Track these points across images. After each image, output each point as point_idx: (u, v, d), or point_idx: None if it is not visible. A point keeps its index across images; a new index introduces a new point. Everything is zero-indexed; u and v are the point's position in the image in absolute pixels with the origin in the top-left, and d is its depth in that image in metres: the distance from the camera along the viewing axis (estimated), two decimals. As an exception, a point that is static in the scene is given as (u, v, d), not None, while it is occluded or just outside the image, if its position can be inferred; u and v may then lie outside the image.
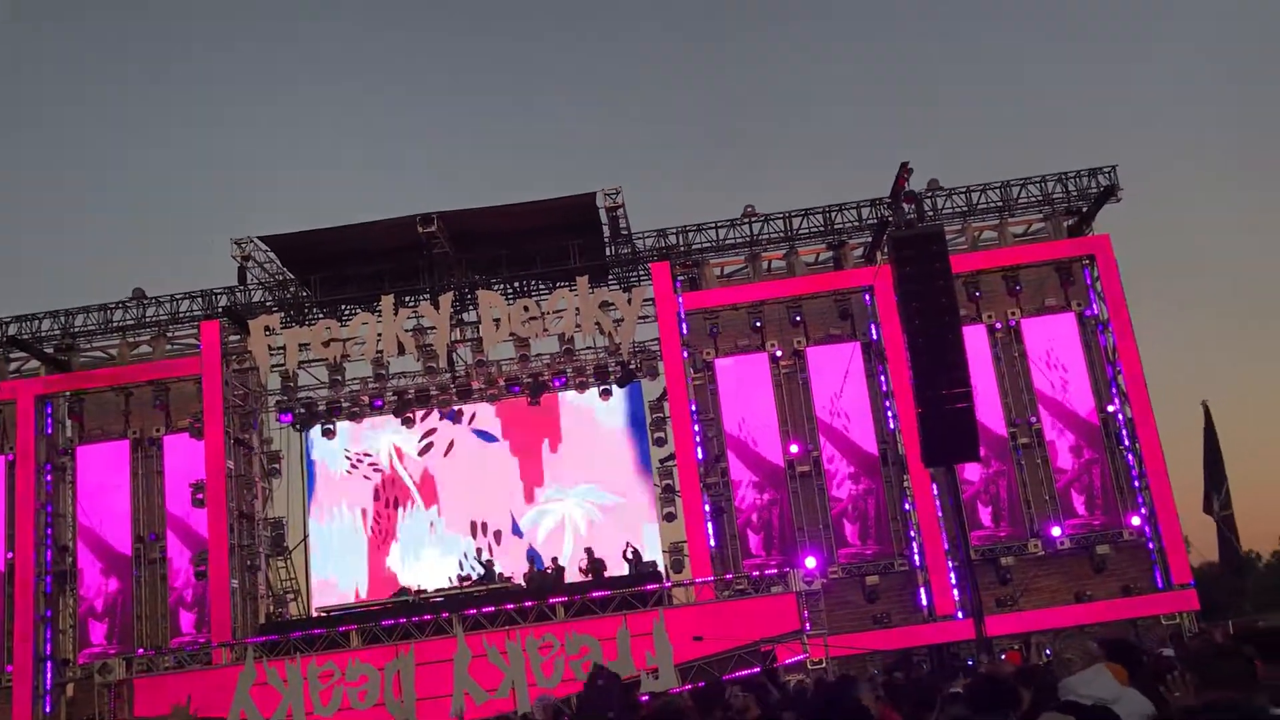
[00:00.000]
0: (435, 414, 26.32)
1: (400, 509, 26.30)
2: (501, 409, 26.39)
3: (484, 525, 26.09)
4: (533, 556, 24.71)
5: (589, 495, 25.84)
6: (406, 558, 26.05)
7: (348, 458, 26.51)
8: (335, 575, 26.01)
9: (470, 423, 26.47)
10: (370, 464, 26.48)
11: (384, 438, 26.51)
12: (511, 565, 24.49)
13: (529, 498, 26.00)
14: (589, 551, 23.04)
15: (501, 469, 26.14)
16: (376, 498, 26.34)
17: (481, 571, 23.50)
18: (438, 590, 23.04)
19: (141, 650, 22.88)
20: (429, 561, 25.76)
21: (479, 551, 25.61)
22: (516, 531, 26.11)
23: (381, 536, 26.20)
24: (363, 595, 25.33)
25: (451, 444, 26.43)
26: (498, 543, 25.89)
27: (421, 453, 26.47)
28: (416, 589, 23.45)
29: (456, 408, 26.24)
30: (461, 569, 25.00)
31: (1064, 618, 22.25)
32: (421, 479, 26.39)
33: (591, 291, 23.96)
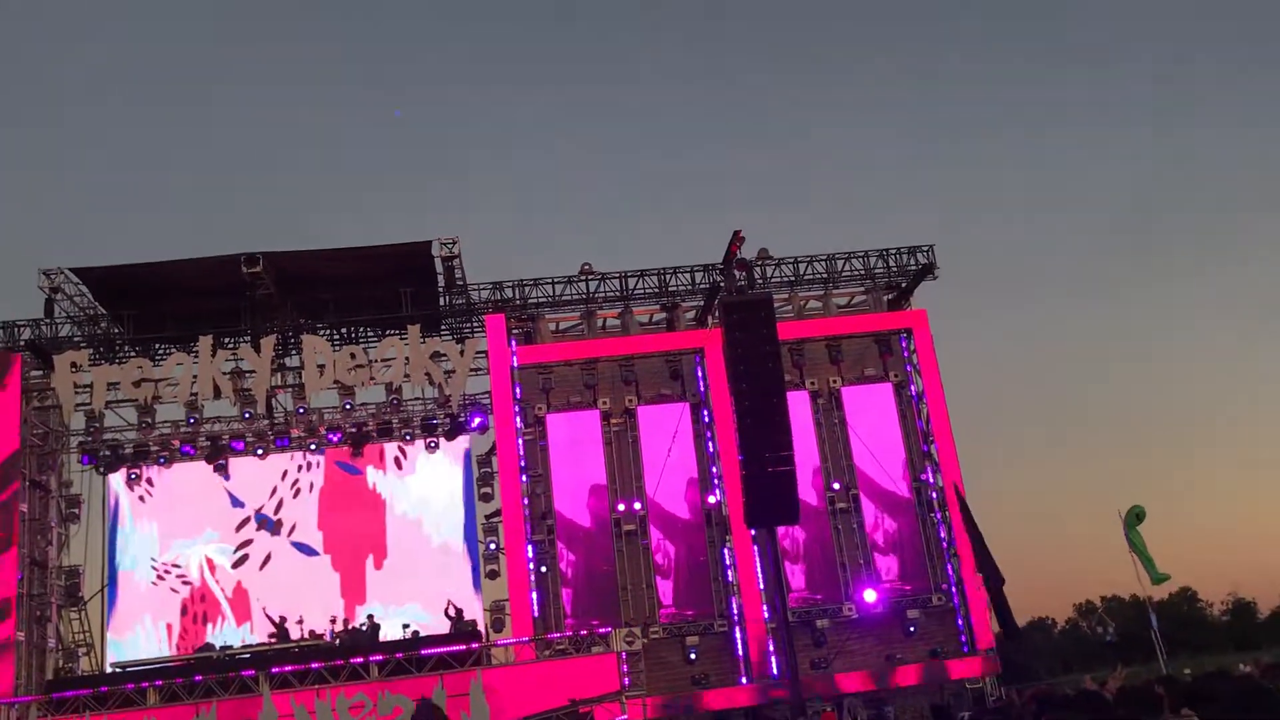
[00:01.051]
0: (251, 525, 24.75)
1: (210, 625, 24.36)
2: (324, 520, 24.85)
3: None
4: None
5: (415, 616, 23.91)
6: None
7: (154, 568, 24.57)
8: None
9: (290, 534, 24.84)
10: (179, 575, 24.57)
11: (196, 549, 24.68)
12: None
13: (350, 615, 23.94)
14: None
15: (322, 584, 24.38)
16: (184, 612, 24.35)
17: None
18: (245, 646, 22.04)
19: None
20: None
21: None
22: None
23: (187, 654, 23.65)
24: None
25: (268, 557, 24.69)
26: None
27: (235, 565, 24.67)
28: (222, 646, 22.39)
29: (275, 518, 24.82)
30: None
31: (876, 680, 22.84)
32: (234, 593, 24.56)
33: (423, 341, 23.63)
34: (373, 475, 25.18)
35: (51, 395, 23.19)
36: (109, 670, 22.72)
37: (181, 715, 18.51)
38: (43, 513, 23.61)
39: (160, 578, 24.54)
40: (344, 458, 25.27)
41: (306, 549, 24.73)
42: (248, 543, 24.76)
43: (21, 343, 23.68)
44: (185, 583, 24.58)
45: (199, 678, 19.12)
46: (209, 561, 24.69)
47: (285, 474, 25.10)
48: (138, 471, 24.38)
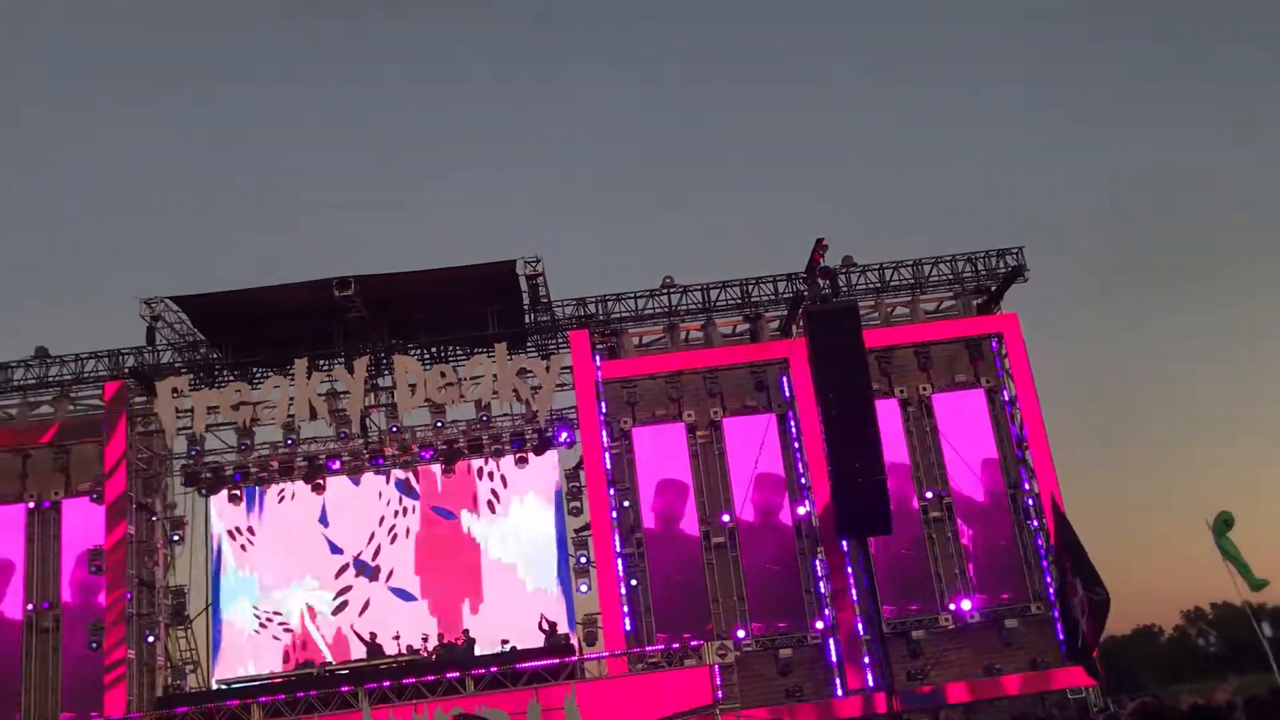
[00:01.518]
0: (350, 571, 25.19)
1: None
2: (421, 565, 25.20)
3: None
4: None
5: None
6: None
7: (256, 616, 25.06)
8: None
9: (388, 580, 25.21)
10: (280, 623, 25.00)
11: (296, 597, 25.12)
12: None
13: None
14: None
15: (420, 628, 24.46)
16: (286, 659, 24.73)
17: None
18: (344, 663, 22.49)
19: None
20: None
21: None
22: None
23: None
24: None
25: (367, 603, 25.03)
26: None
27: (335, 611, 25.05)
28: (322, 662, 22.87)
29: (374, 564, 25.27)
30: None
31: (975, 691, 22.44)
32: (334, 639, 24.90)
33: (510, 358, 23.91)
34: (467, 519, 25.50)
35: (155, 420, 23.93)
36: (215, 687, 23.38)
37: (285, 731, 18.93)
38: (148, 534, 24.37)
39: (263, 625, 25.05)
40: (439, 501, 25.65)
41: (404, 594, 25.05)
42: (347, 589, 25.17)
43: (125, 370, 24.52)
44: (287, 630, 25.02)
45: (300, 694, 19.56)
46: (309, 609, 25.12)
47: (382, 520, 25.56)
48: (238, 492, 25.00)
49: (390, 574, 25.30)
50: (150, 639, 23.67)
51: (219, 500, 25.34)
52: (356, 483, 25.52)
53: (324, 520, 25.45)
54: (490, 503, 25.73)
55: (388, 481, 25.77)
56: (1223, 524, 18.29)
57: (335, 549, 24.97)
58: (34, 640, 23.49)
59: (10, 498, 24.29)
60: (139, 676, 23.00)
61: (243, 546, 25.43)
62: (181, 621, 24.53)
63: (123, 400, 23.85)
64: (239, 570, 25.38)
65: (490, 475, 25.78)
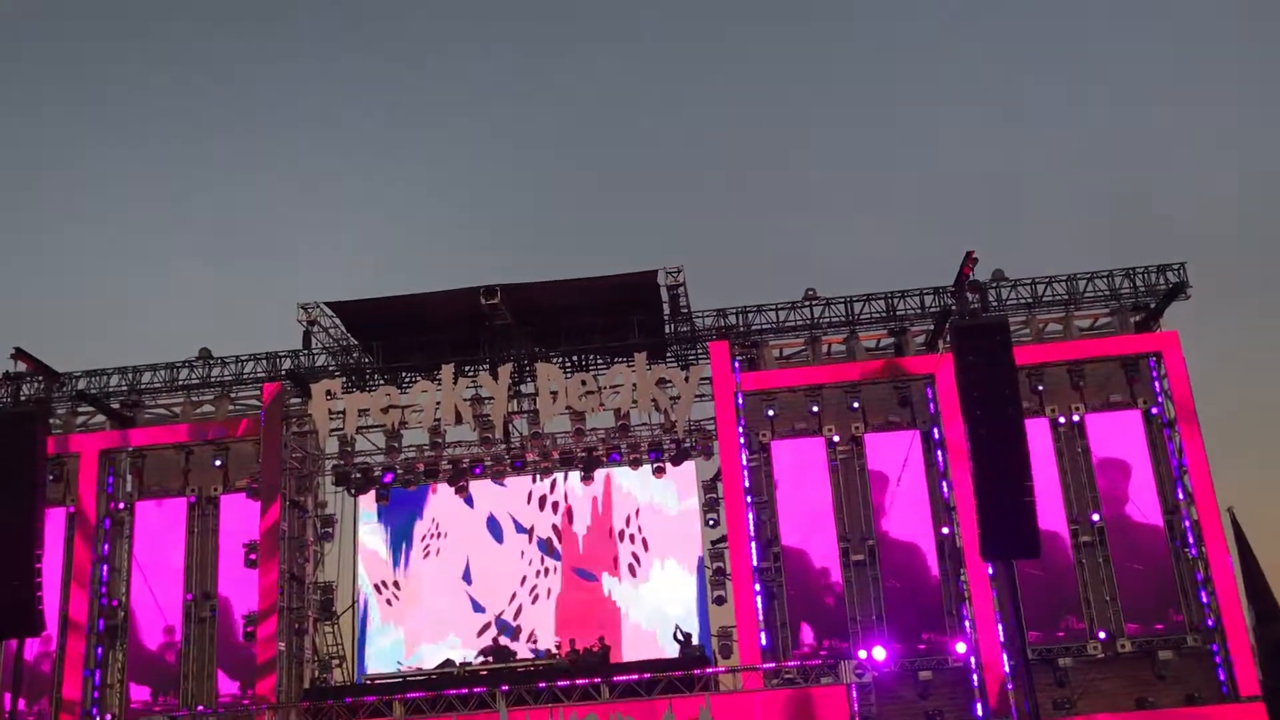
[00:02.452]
0: (492, 629, 25.84)
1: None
2: (561, 627, 25.61)
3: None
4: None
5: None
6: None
7: (400, 671, 24.64)
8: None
9: (529, 640, 25.85)
10: None
11: (439, 653, 25.05)
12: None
13: None
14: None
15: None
16: None
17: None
18: (484, 663, 22.91)
19: (185, 710, 22.92)
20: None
21: None
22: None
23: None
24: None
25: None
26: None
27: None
28: (461, 661, 23.34)
29: (515, 624, 25.97)
30: None
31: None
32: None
33: (649, 368, 24.01)
34: (608, 583, 25.83)
35: (309, 421, 24.83)
36: (360, 682, 24.10)
37: (425, 727, 19.38)
38: (300, 531, 25.30)
39: None
40: (580, 563, 26.19)
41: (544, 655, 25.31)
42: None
43: (282, 372, 25.54)
44: None
45: (440, 692, 19.99)
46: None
47: (524, 579, 26.16)
48: (385, 494, 25.74)
49: (531, 634, 25.86)
50: (300, 632, 24.53)
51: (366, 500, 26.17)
52: (499, 537, 26.35)
53: (467, 578, 26.12)
54: (631, 566, 26.07)
55: (530, 540, 26.36)
56: None
57: (478, 607, 25.45)
58: (192, 629, 24.60)
59: (173, 491, 25.53)
60: (288, 668, 23.85)
61: (389, 601, 26.31)
62: (329, 617, 25.37)
63: (280, 401, 24.84)
64: (384, 624, 26.32)
65: (631, 538, 26.12)
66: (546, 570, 26.17)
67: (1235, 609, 22.10)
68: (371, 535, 26.69)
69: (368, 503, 26.31)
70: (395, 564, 26.38)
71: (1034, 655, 21.55)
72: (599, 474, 26.13)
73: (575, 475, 26.08)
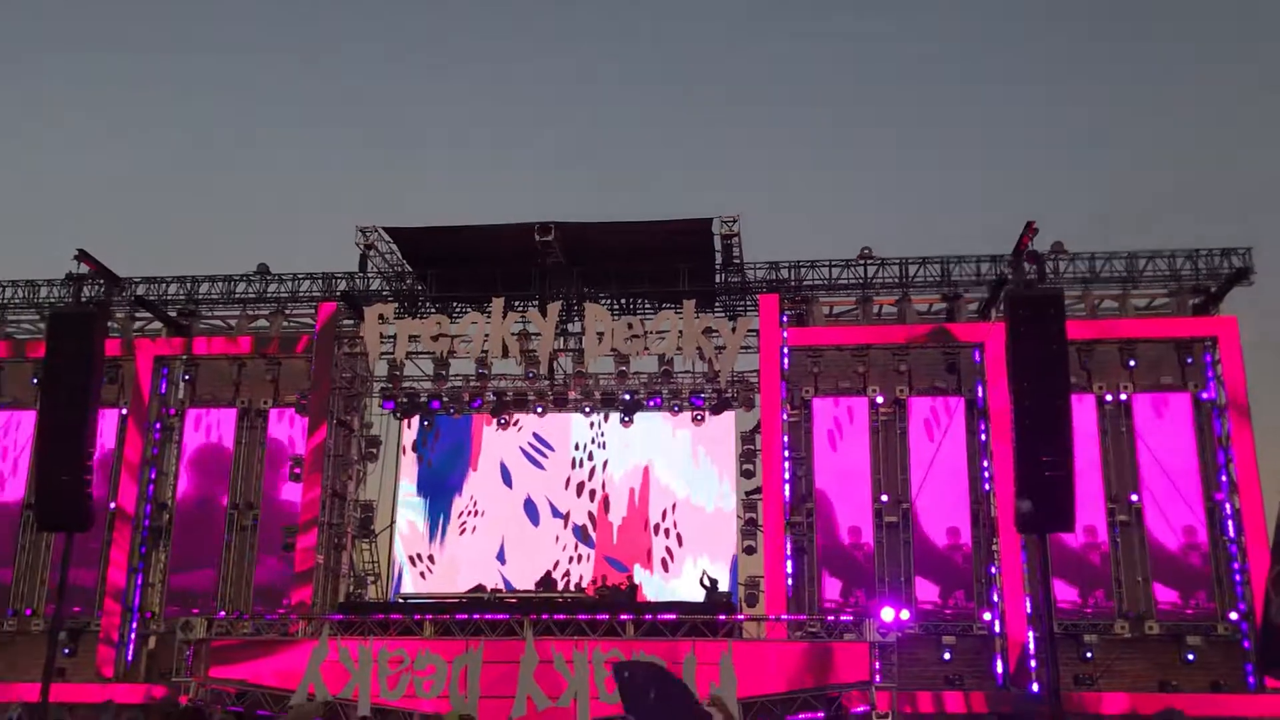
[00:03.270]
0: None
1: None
2: None
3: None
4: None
5: None
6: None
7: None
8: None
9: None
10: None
11: None
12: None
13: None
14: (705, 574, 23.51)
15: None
16: None
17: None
18: (514, 592, 23.30)
19: (223, 613, 23.57)
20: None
21: None
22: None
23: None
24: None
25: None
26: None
27: None
28: (493, 587, 23.76)
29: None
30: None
31: (1145, 705, 21.50)
32: None
33: (697, 316, 24.03)
34: (639, 575, 25.73)
35: (360, 343, 25.18)
36: (393, 600, 24.64)
37: (452, 649, 19.79)
38: (345, 449, 25.74)
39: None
40: (613, 553, 26.22)
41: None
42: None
43: (338, 293, 25.87)
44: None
45: (470, 616, 20.40)
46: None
47: (556, 564, 26.13)
48: (429, 421, 26.10)
49: None
50: (338, 548, 25.08)
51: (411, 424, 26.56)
52: (535, 520, 26.48)
53: (501, 558, 26.34)
54: (664, 560, 26.08)
55: (565, 525, 26.47)
56: None
57: (509, 587, 25.62)
58: (234, 536, 25.23)
59: (224, 401, 26.05)
60: (324, 582, 24.41)
61: (422, 574, 26.61)
62: (367, 535, 25.88)
63: (333, 322, 25.19)
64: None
65: (666, 532, 26.12)
66: (580, 557, 26.25)
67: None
68: (410, 510, 26.96)
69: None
70: (431, 538, 26.67)
71: (1060, 630, 21.57)
72: (636, 466, 26.36)
73: (615, 468, 26.38)
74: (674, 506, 26.19)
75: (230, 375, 26.13)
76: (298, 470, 24.45)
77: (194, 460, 25.75)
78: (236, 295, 26.37)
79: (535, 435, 26.79)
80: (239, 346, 25.94)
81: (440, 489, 27.05)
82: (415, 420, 26.91)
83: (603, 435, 26.63)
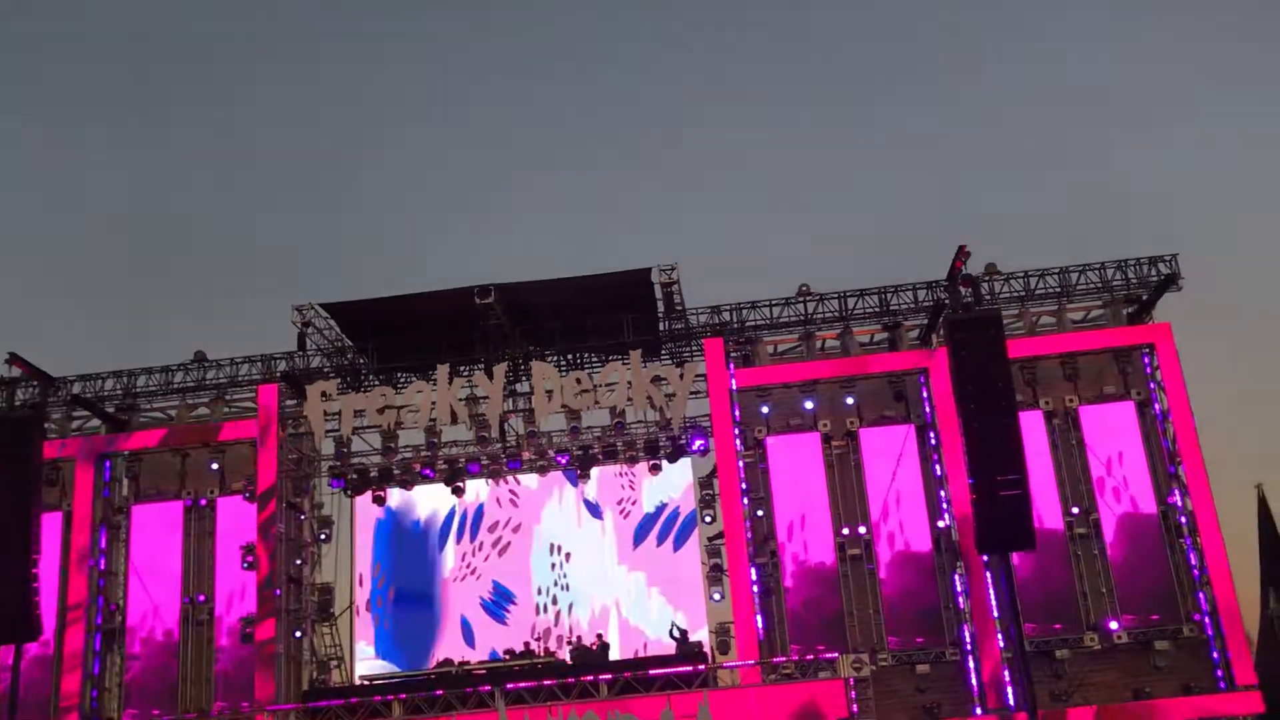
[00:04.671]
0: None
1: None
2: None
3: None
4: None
5: None
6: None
7: None
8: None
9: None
10: None
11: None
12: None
13: None
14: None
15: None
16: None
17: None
18: (480, 663, 22.94)
19: (187, 715, 22.93)
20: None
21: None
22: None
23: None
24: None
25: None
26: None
27: None
28: (460, 661, 23.36)
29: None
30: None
31: (1122, 715, 21.60)
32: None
33: (644, 366, 24.05)
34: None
35: (304, 423, 24.82)
36: (358, 682, 24.11)
37: (424, 727, 19.39)
38: (297, 532, 25.28)
39: None
40: None
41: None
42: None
43: (278, 374, 25.52)
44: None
45: (439, 692, 20.02)
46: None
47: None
48: (382, 494, 25.77)
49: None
50: (298, 634, 24.54)
51: (363, 501, 26.18)
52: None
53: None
54: None
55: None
56: None
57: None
58: (190, 632, 24.59)
59: (170, 495, 25.50)
60: (287, 670, 23.83)
61: None
62: (327, 618, 25.36)
63: (275, 403, 24.81)
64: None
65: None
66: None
67: (1231, 598, 22.18)
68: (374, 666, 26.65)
69: (363, 503, 26.29)
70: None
71: (1031, 647, 21.65)
72: (604, 607, 26.39)
73: (580, 610, 26.35)
74: (645, 646, 26.12)
75: (174, 467, 25.60)
76: (250, 559, 23.92)
77: (143, 557, 25.10)
78: (175, 385, 25.91)
79: (494, 584, 26.55)
80: (180, 438, 25.44)
81: (403, 656, 26.69)
82: (367, 572, 26.42)
83: (565, 576, 26.41)
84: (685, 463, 26.12)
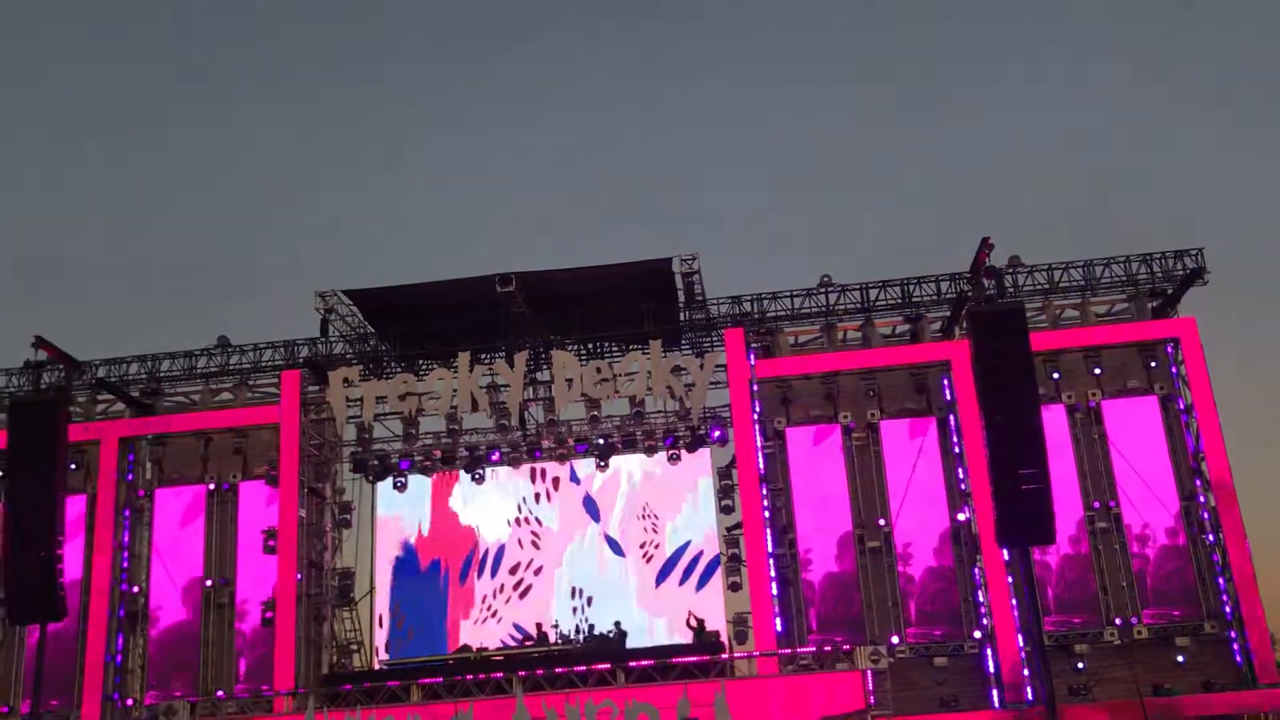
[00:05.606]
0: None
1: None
2: None
3: (543, 471, 26.54)
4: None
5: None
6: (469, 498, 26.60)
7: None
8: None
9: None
10: None
11: None
12: (566, 512, 26.23)
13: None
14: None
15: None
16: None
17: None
18: (499, 650, 23.01)
19: (204, 695, 23.10)
20: (488, 502, 26.50)
21: (536, 497, 26.40)
22: (574, 479, 26.35)
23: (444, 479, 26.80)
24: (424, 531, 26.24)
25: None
26: (555, 488, 26.50)
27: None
28: (478, 647, 23.45)
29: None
30: (520, 512, 26.28)
31: (1143, 711, 21.45)
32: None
33: (664, 355, 24.04)
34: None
35: (326, 409, 24.94)
36: (378, 668, 24.25)
37: (441, 713, 19.49)
38: (318, 518, 25.43)
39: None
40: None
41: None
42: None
43: (300, 360, 25.65)
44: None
45: (458, 678, 20.10)
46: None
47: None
48: (403, 480, 25.84)
49: None
50: (318, 619, 24.68)
51: (384, 488, 26.28)
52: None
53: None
54: None
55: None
56: None
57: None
58: (211, 615, 24.79)
59: (193, 478, 25.70)
60: (307, 654, 24.00)
61: None
62: (347, 603, 25.50)
63: (297, 389, 24.94)
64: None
65: None
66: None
67: (1253, 595, 21.98)
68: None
69: (385, 489, 26.32)
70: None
71: (1050, 642, 21.55)
72: None
73: None
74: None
75: (197, 451, 25.79)
76: (272, 543, 24.09)
77: (166, 540, 25.32)
78: (198, 370, 26.10)
79: (515, 626, 25.63)
80: (204, 422, 25.61)
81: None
82: (386, 613, 26.14)
83: (586, 620, 25.21)
84: (709, 507, 25.61)
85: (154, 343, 43.50)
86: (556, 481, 26.64)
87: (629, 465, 26.46)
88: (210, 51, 58.87)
